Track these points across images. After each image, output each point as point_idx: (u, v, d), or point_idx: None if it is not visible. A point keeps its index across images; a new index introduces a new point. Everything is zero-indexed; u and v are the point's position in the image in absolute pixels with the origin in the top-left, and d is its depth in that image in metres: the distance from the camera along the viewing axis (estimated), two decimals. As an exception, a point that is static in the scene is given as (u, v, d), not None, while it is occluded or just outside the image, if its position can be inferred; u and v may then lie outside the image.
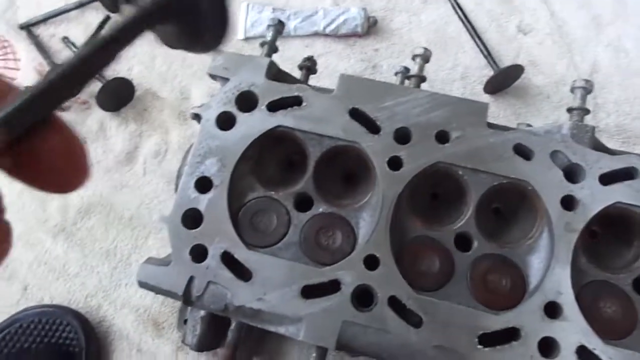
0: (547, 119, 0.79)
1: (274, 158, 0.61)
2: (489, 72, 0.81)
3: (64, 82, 0.24)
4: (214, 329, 0.62)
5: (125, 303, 0.74)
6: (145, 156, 0.81)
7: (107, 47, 0.26)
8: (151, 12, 0.28)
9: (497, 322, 0.51)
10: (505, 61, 0.82)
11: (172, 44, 0.34)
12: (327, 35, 0.84)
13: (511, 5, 0.86)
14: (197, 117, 0.60)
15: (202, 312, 0.60)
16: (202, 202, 0.57)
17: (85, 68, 0.25)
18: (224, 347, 0.62)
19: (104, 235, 0.78)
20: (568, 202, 0.54)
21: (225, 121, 0.59)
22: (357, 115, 0.58)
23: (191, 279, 0.55)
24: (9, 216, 0.79)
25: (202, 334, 0.61)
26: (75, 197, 0.79)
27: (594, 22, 0.84)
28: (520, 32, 0.84)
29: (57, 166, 0.26)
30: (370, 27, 0.84)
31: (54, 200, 0.79)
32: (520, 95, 0.81)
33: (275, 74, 0.62)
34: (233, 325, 0.63)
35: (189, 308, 0.63)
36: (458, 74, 0.82)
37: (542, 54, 0.83)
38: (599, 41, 0.83)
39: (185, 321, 0.65)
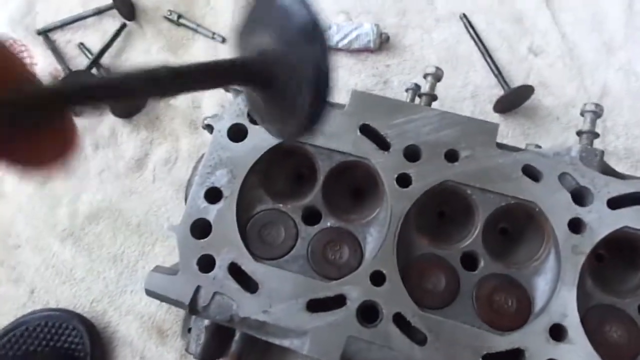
0: (556, 140, 0.79)
1: (283, 171, 0.62)
2: (499, 92, 0.81)
3: (115, 88, 0.23)
4: (218, 339, 0.62)
5: (130, 309, 0.74)
6: (155, 163, 0.82)
7: (168, 79, 0.24)
8: (232, 66, 0.26)
9: (502, 342, 0.51)
10: (516, 81, 0.82)
11: (257, 117, 0.30)
12: (339, 50, 0.85)
13: (522, 27, 0.86)
14: (209, 127, 0.61)
15: (207, 322, 0.61)
16: (212, 212, 0.57)
17: (139, 83, 0.24)
18: (228, 358, 0.63)
19: (111, 240, 0.78)
20: (575, 225, 0.55)
21: (237, 133, 0.59)
22: (367, 131, 0.59)
23: (198, 289, 0.55)
24: (19, 218, 0.79)
25: (206, 343, 0.61)
26: (84, 203, 0.80)
27: (605, 46, 0.84)
28: (531, 53, 0.85)
29: (51, 155, 0.26)
30: (383, 43, 0.85)
31: (64, 206, 0.80)
32: (529, 116, 0.81)
33: (288, 88, 0.62)
34: (237, 335, 0.63)
35: (193, 317, 0.64)
36: (468, 92, 0.82)
37: (552, 75, 0.83)
38: (609, 64, 0.83)
39: (189, 330, 0.65)
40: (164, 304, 0.74)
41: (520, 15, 0.87)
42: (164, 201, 0.80)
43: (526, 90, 0.78)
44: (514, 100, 0.79)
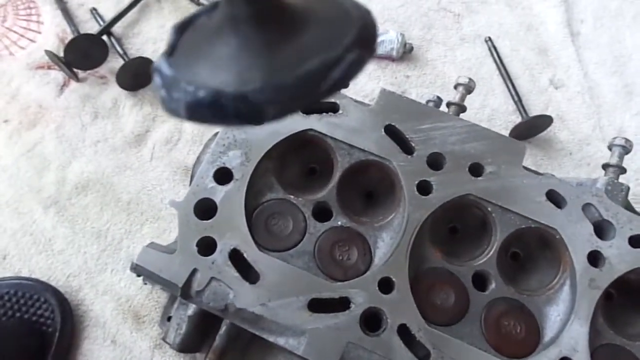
0: (567, 176, 0.78)
1: (299, 162, 0.59)
2: (516, 119, 0.80)
3: None
4: (200, 331, 0.58)
5: (108, 289, 0.70)
6: (155, 141, 0.78)
7: None
8: None
9: (509, 369, 0.49)
10: (534, 111, 0.81)
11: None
12: (360, 54, 0.83)
13: (546, 58, 0.86)
14: (227, 106, 0.58)
15: (190, 311, 0.57)
16: (219, 193, 0.54)
17: None
18: (210, 352, 0.58)
19: (97, 215, 0.74)
20: (595, 258, 0.53)
21: (256, 115, 0.56)
22: (392, 132, 0.56)
23: (194, 272, 0.51)
24: (1, 179, 0.73)
25: (186, 334, 0.58)
26: (75, 172, 0.75)
27: (625, 90, 0.84)
28: (551, 85, 0.84)
29: None
30: (406, 53, 0.83)
31: (52, 171, 0.75)
32: (543, 147, 0.80)
33: (315, 77, 0.60)
34: (223, 330, 0.59)
35: (175, 305, 0.60)
36: (485, 115, 0.81)
37: (570, 110, 0.82)
38: (627, 108, 0.83)
39: (169, 318, 0.61)
40: (144, 288, 0.70)
41: (546, 46, 0.86)
42: (158, 181, 0.76)
43: (544, 121, 0.77)
44: (531, 129, 0.78)
